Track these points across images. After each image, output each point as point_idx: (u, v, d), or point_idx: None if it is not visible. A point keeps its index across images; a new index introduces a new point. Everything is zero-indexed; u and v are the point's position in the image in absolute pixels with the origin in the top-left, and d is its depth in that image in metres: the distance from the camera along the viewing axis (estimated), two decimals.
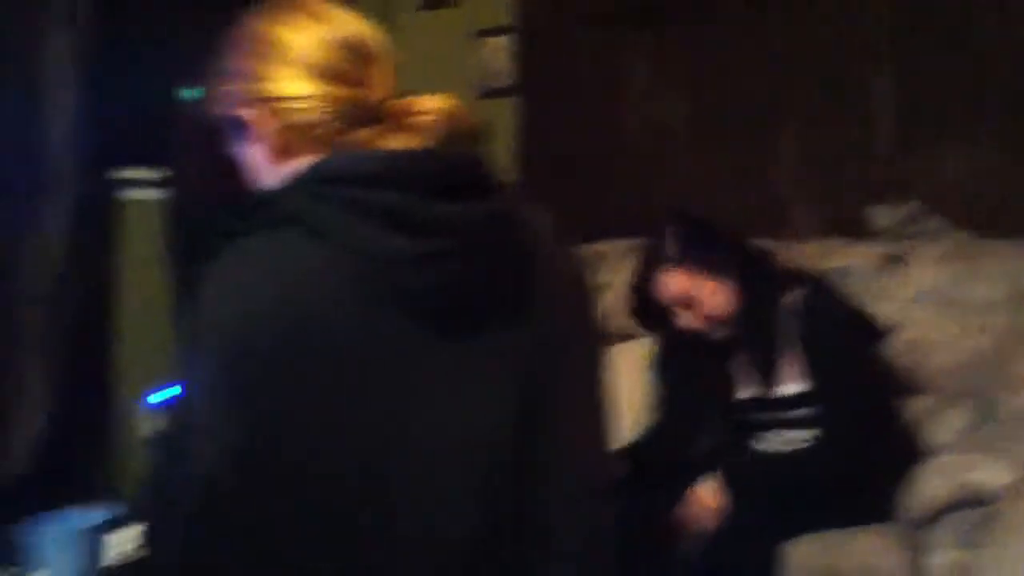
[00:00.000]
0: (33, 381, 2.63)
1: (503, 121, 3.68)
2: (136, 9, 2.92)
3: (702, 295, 2.57)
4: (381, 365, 1.19)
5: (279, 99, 1.28)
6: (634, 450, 2.70)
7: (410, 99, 1.29)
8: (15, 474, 2.45)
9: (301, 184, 1.21)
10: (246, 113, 1.30)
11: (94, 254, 2.82)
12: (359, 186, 1.19)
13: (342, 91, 1.27)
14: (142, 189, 2.95)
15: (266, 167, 1.31)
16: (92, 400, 2.82)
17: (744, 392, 2.62)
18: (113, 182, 2.90)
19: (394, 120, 1.27)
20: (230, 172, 1.40)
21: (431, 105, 1.28)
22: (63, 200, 2.67)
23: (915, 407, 2.71)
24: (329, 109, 1.27)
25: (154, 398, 2.51)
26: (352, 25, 1.31)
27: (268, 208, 1.21)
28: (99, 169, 2.82)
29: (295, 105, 1.27)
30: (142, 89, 3.00)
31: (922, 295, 2.82)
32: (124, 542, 1.84)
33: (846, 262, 2.90)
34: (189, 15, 2.88)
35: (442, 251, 1.19)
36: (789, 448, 2.56)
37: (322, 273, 1.18)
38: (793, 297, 2.58)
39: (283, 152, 1.29)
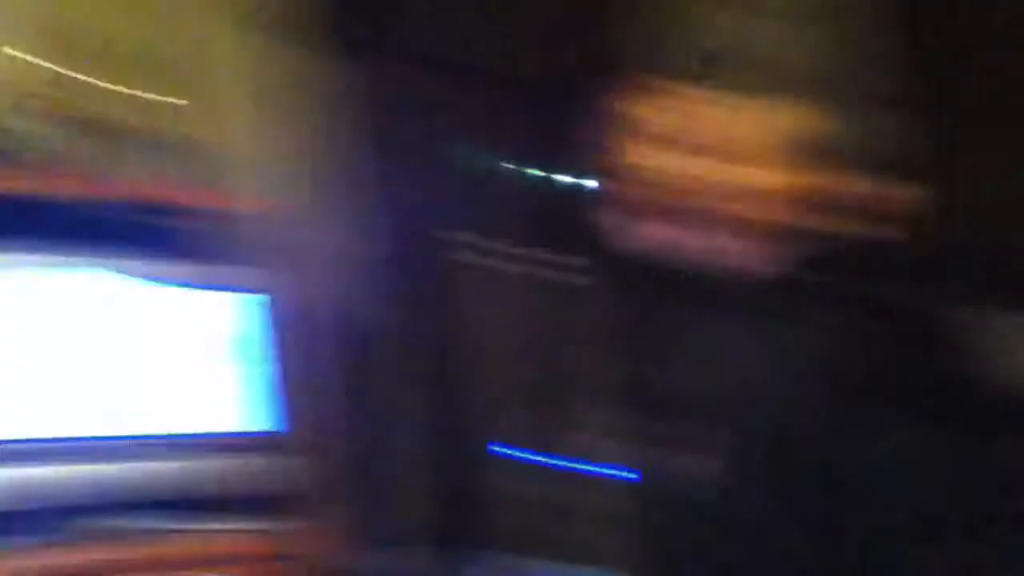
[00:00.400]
0: (403, 439, 2.79)
1: None
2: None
3: None
4: None
5: (646, 172, 1.37)
6: None
7: None
8: (406, 532, 2.61)
9: None
10: (613, 186, 1.40)
11: (439, 312, 2.99)
12: None
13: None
14: (477, 254, 3.11)
15: (627, 236, 1.41)
16: (459, 455, 2.98)
17: None
18: (455, 246, 3.08)
19: None
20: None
21: None
22: (416, 263, 2.85)
23: None
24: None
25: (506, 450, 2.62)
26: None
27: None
28: (445, 234, 3.00)
29: (660, 178, 1.36)
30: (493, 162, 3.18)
31: None
32: None
33: None
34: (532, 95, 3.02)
35: None
36: None
37: None
38: None
39: (644, 222, 1.38)
